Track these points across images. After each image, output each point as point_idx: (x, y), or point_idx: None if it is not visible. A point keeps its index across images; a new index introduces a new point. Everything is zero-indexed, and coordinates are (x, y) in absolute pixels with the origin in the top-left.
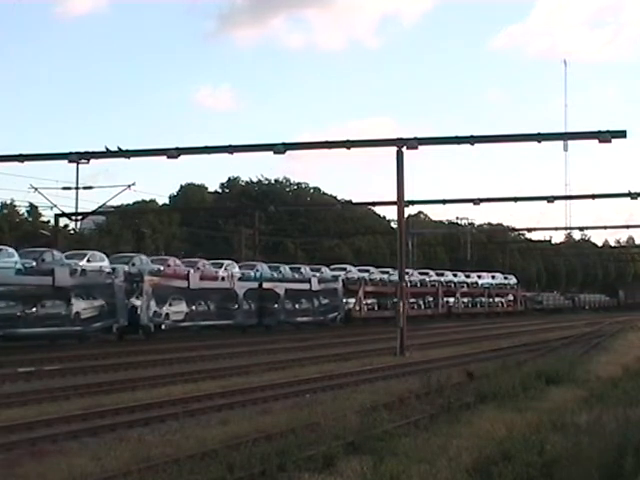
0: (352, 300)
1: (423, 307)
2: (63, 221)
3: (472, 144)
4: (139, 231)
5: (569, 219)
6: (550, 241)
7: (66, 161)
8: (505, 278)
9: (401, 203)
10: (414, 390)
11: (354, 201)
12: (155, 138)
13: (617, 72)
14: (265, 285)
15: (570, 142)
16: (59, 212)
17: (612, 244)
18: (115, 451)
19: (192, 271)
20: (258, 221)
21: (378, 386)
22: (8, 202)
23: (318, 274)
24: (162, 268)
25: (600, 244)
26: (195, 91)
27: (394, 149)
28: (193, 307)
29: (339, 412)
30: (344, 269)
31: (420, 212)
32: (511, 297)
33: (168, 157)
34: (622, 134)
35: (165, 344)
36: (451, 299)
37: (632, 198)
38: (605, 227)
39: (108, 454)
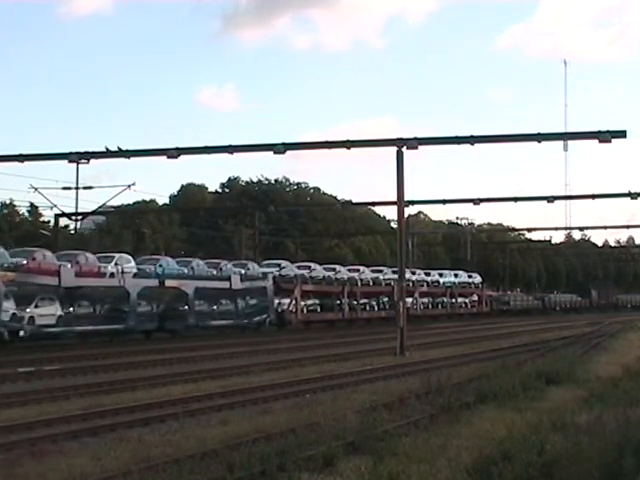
0: (287, 301)
1: (376, 309)
2: (63, 221)
3: (472, 144)
4: (139, 231)
5: (569, 219)
6: (550, 241)
7: (66, 161)
8: (469, 276)
9: (401, 203)
10: (414, 390)
11: (354, 201)
12: (158, 138)
13: (620, 72)
14: (168, 283)
15: (570, 142)
16: (59, 212)
17: (612, 244)
18: (115, 451)
19: (68, 266)
20: (258, 221)
21: (378, 386)
22: (8, 202)
23: (243, 270)
24: (24, 262)
25: (600, 244)
26: (199, 91)
27: (394, 149)
28: (71, 309)
29: (339, 412)
30: (278, 265)
31: (420, 212)
32: (475, 297)
33: (168, 157)
34: (622, 134)
35: (165, 344)
36: (409, 299)
37: (632, 198)
38: (605, 227)
39: (108, 454)
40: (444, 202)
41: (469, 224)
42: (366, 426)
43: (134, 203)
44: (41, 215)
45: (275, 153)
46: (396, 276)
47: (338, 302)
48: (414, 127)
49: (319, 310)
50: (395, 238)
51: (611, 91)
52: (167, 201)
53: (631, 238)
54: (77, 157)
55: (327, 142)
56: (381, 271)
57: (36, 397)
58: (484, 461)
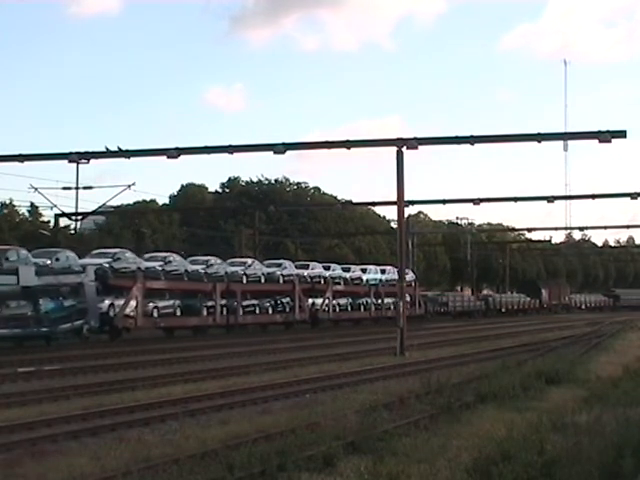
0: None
1: (271, 311)
2: (63, 221)
3: (472, 144)
4: (139, 231)
5: (569, 219)
6: (550, 241)
7: (66, 161)
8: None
9: (401, 203)
10: (414, 390)
11: (354, 201)
12: (163, 139)
13: (622, 72)
14: None
15: (570, 142)
16: (59, 212)
17: (612, 244)
18: (115, 451)
19: None
20: (258, 221)
21: (378, 386)
22: (8, 202)
23: (49, 261)
24: None
25: (600, 244)
26: (206, 92)
27: (395, 149)
28: None
29: (339, 412)
30: (111, 255)
31: (420, 212)
32: (407, 297)
33: (168, 157)
34: (622, 134)
35: (165, 344)
36: (318, 300)
37: (632, 198)
38: (605, 227)
39: (108, 454)
40: (444, 202)
41: (469, 224)
42: (366, 426)
43: (134, 203)
44: (41, 215)
45: (275, 153)
46: (304, 271)
47: (210, 303)
48: (420, 127)
49: (180, 313)
50: (395, 238)
51: (612, 91)
52: (167, 201)
53: (631, 238)
54: (77, 157)
55: (327, 142)
56: (279, 265)
57: (36, 397)
58: (484, 461)
